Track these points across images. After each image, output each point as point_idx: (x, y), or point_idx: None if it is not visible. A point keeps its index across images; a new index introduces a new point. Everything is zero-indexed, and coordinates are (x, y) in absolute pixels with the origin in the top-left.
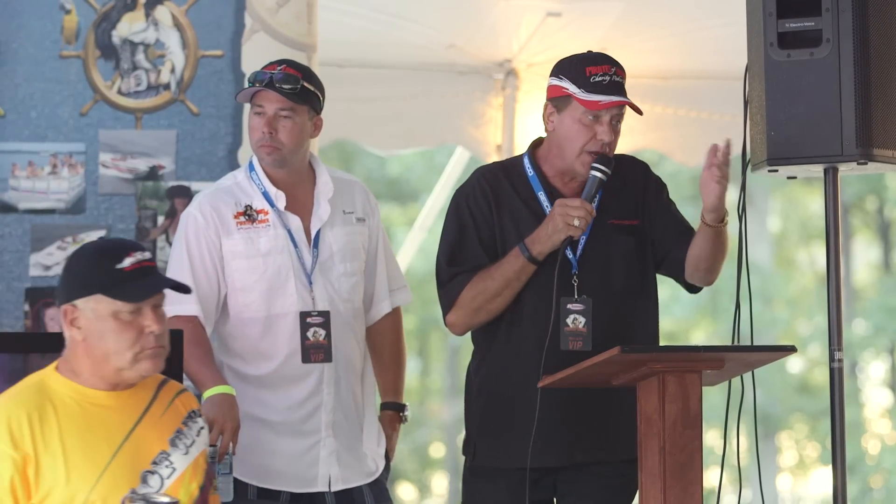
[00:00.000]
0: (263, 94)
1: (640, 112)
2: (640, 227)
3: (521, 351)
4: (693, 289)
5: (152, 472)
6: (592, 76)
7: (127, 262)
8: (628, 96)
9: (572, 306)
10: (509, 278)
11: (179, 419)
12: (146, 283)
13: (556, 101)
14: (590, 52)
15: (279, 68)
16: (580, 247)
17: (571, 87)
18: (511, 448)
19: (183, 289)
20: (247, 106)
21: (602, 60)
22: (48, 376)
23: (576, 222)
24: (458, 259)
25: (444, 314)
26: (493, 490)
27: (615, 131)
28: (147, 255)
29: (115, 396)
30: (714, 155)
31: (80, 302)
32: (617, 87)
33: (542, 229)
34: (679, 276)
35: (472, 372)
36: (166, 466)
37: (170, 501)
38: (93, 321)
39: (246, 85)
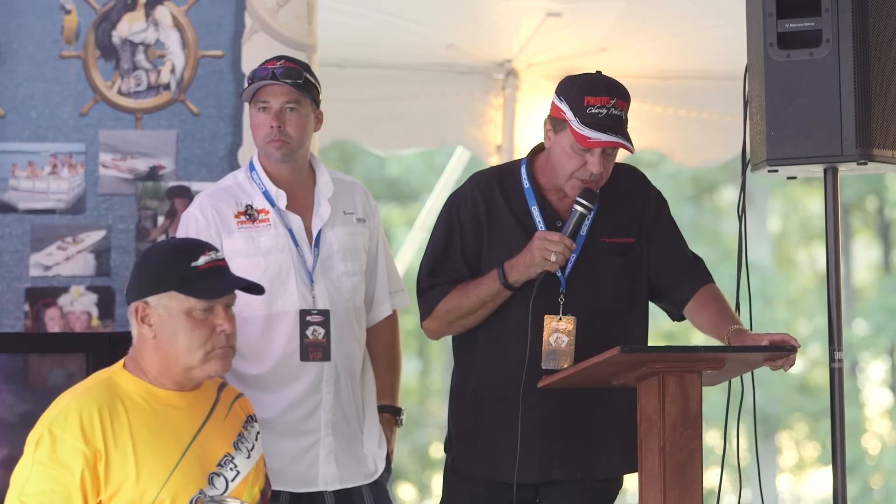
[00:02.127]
0: (268, 89)
1: (631, 151)
2: (635, 245)
3: (504, 366)
4: (681, 318)
5: (218, 474)
6: (589, 107)
7: (202, 260)
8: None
9: (556, 324)
10: (484, 300)
11: (240, 423)
12: (220, 281)
13: (554, 120)
14: (598, 73)
15: (279, 63)
16: (569, 265)
17: (568, 114)
18: (491, 462)
19: (256, 289)
20: (247, 106)
21: (602, 90)
22: (116, 374)
23: (553, 258)
24: (439, 270)
25: (421, 320)
26: (472, 492)
27: (608, 161)
28: (221, 255)
29: (182, 396)
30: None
31: (152, 299)
32: (613, 122)
33: (521, 258)
34: (672, 313)
35: (454, 380)
36: (231, 469)
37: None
38: (165, 318)
39: (245, 84)
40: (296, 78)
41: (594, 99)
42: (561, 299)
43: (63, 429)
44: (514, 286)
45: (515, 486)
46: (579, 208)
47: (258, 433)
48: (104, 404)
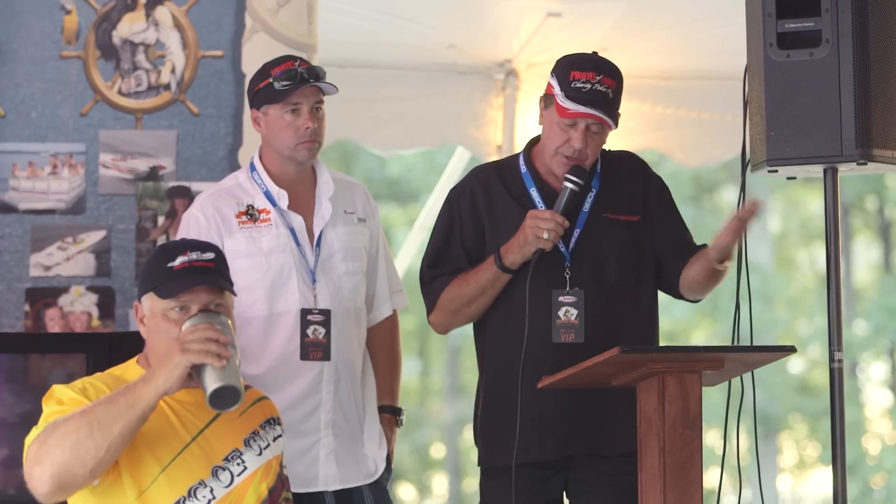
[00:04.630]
0: (300, 90)
1: (611, 126)
2: (640, 223)
3: (514, 348)
4: (680, 292)
5: (223, 468)
6: (574, 81)
7: (178, 260)
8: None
9: (564, 298)
10: (483, 286)
11: (257, 423)
12: (184, 281)
13: (546, 97)
14: (594, 53)
15: (297, 63)
16: (573, 239)
17: (556, 88)
18: (508, 446)
19: (220, 285)
20: (247, 106)
21: (589, 66)
22: (128, 368)
23: (545, 235)
24: (440, 261)
25: (427, 314)
26: (498, 488)
27: (594, 139)
28: (207, 255)
29: (191, 393)
30: (748, 209)
31: (143, 299)
32: (597, 97)
33: (515, 240)
34: (673, 291)
35: (479, 376)
36: (238, 464)
37: (218, 313)
38: (150, 318)
39: (260, 85)
40: (322, 77)
41: (580, 74)
42: (567, 273)
43: (66, 387)
44: (511, 268)
45: (540, 470)
46: (569, 184)
47: (278, 436)
48: (111, 387)
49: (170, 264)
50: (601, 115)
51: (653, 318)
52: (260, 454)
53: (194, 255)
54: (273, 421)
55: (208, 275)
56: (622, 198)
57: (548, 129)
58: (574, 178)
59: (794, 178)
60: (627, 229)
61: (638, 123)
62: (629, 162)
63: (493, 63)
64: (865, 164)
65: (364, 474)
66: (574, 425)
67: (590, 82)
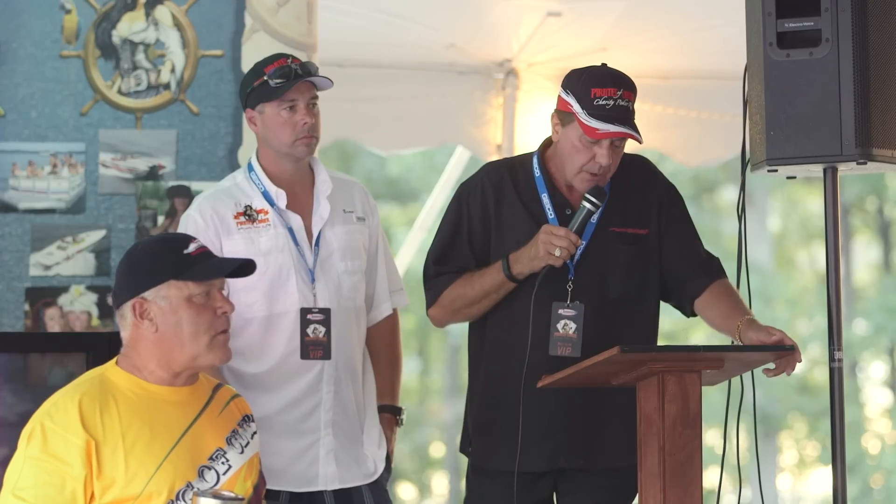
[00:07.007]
0: (294, 87)
1: (640, 141)
2: (648, 236)
3: (513, 355)
4: (693, 314)
5: (209, 468)
6: (596, 99)
7: (192, 247)
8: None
9: (563, 311)
10: (488, 290)
11: (235, 421)
12: (214, 263)
13: (562, 114)
14: (603, 66)
15: (289, 60)
16: (578, 252)
17: (576, 107)
18: (501, 452)
19: (247, 270)
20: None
21: (609, 81)
22: (108, 370)
23: (557, 252)
24: (446, 259)
25: (427, 307)
26: (490, 487)
27: (616, 152)
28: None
29: (175, 392)
30: (788, 366)
31: (149, 293)
32: (621, 113)
33: (526, 251)
34: (684, 311)
35: (470, 372)
36: (222, 463)
37: (235, 497)
38: (166, 310)
39: (250, 86)
40: (315, 72)
41: (601, 91)
42: (569, 286)
43: (54, 422)
44: (517, 278)
45: (529, 472)
46: (587, 205)
47: (254, 433)
48: (95, 398)
49: (185, 251)
50: (631, 132)
51: (653, 331)
52: (242, 452)
53: (199, 242)
54: (248, 418)
55: (226, 258)
56: (631, 209)
57: (568, 147)
58: (593, 200)
59: (794, 177)
60: (634, 244)
61: (638, 123)
62: (640, 170)
63: (493, 63)
64: (865, 163)
65: (364, 474)
66: (568, 439)
67: (612, 98)
